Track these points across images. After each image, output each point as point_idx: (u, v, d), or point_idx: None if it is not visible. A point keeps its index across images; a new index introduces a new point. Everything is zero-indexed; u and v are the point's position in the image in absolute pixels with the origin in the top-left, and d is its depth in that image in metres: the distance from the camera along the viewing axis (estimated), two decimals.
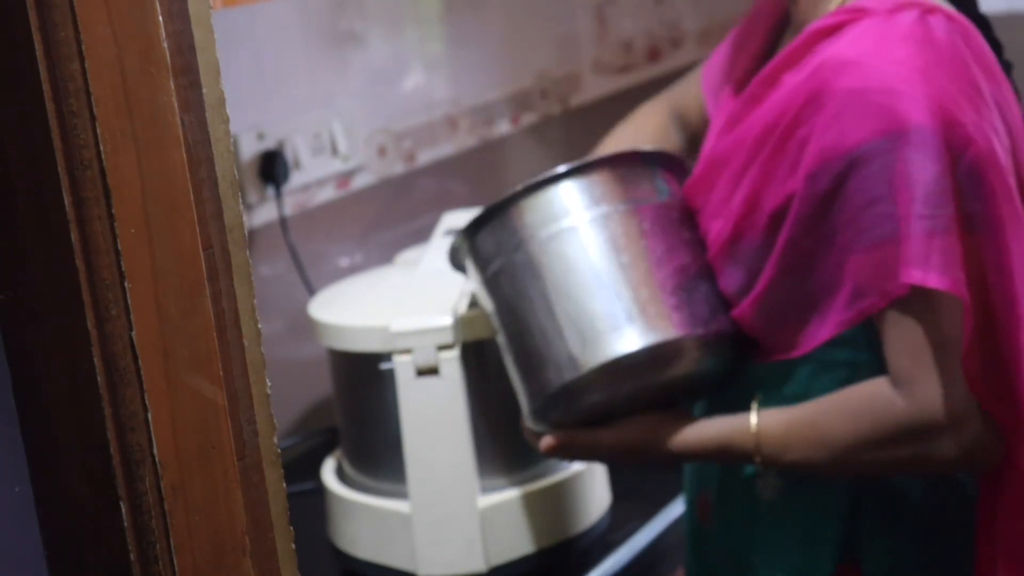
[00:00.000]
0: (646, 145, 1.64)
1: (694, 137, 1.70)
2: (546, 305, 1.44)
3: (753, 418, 1.40)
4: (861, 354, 1.39)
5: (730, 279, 1.43)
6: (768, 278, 1.37)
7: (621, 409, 1.45)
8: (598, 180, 1.46)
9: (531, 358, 1.46)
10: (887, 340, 1.33)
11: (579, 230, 1.44)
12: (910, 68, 1.31)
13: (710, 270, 1.45)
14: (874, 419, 1.34)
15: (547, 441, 1.48)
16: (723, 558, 1.54)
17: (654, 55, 2.85)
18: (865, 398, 1.36)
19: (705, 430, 1.43)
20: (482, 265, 1.51)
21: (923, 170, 1.28)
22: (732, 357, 1.46)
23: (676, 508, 1.88)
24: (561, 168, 1.47)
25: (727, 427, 1.42)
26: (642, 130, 1.74)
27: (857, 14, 1.37)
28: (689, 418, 1.45)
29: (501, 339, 1.52)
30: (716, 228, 1.43)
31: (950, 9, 1.38)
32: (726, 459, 1.44)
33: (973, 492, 1.41)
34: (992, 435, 1.33)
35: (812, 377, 1.42)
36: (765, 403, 1.43)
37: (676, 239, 1.46)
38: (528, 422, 1.51)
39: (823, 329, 1.36)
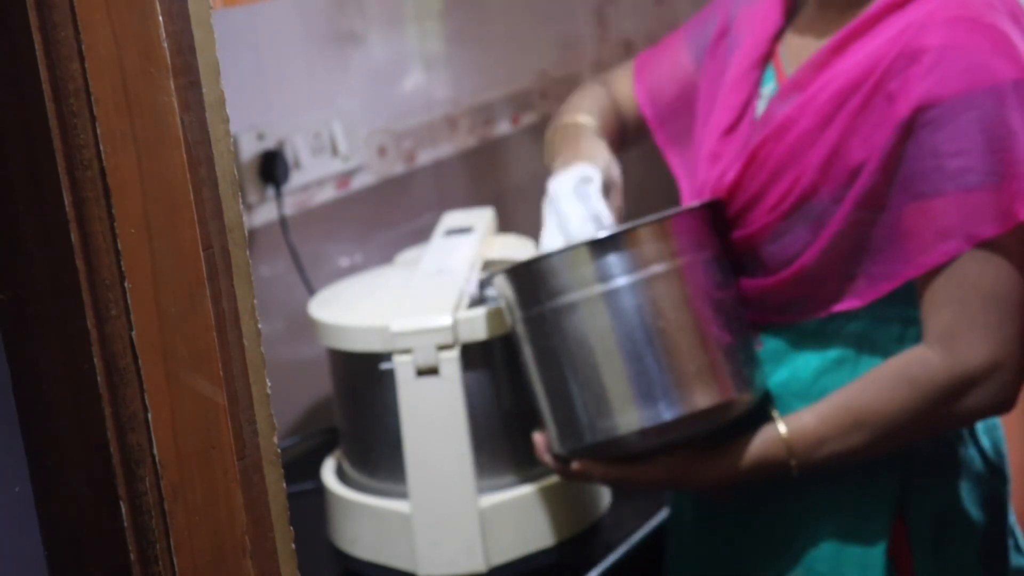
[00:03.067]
0: (694, 202, 1.60)
1: (623, 129, 1.76)
2: (594, 359, 1.44)
3: (781, 427, 1.42)
4: (914, 310, 1.42)
5: (794, 238, 1.45)
6: (835, 229, 1.41)
7: (655, 450, 1.46)
8: (654, 238, 1.46)
9: (572, 404, 1.47)
10: (932, 295, 1.38)
11: (634, 288, 1.44)
12: (999, 30, 1.37)
13: (746, 318, 1.48)
14: (911, 384, 1.38)
15: (577, 468, 1.50)
16: (739, 536, 1.55)
17: None
18: (899, 367, 1.39)
19: (736, 458, 1.44)
20: (529, 301, 1.50)
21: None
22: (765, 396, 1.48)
23: None
24: (628, 225, 1.46)
25: (759, 443, 1.44)
26: (595, 102, 1.77)
27: None
28: (719, 451, 1.46)
29: (534, 372, 1.51)
30: (780, 190, 1.45)
31: None
32: (763, 476, 1.45)
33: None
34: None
35: (863, 334, 1.46)
36: (810, 363, 1.46)
37: (722, 294, 1.47)
38: (554, 449, 1.52)
39: (893, 276, 1.40)
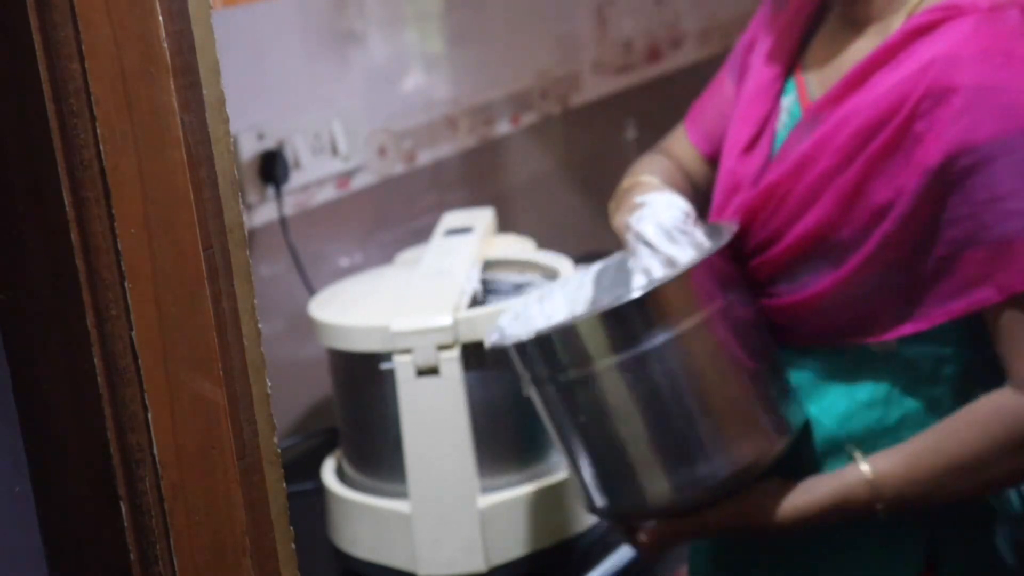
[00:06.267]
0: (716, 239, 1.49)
1: (696, 180, 1.67)
2: (633, 425, 1.38)
3: (864, 466, 1.38)
4: (947, 349, 1.40)
5: (813, 273, 1.41)
6: (856, 266, 1.37)
7: (707, 504, 1.41)
8: (683, 291, 1.38)
9: (620, 470, 1.40)
10: (1008, 341, 1.34)
11: (672, 346, 1.36)
12: None
13: (774, 345, 1.45)
14: (1005, 429, 1.34)
15: (647, 538, 1.45)
16: (770, 560, 1.51)
17: (654, 55, 2.85)
18: (990, 410, 1.35)
19: (814, 492, 1.40)
20: (559, 368, 1.40)
21: None
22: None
23: None
24: (661, 278, 1.39)
25: (838, 484, 1.39)
26: (662, 169, 1.67)
27: (952, 12, 1.36)
28: (794, 490, 1.41)
29: (574, 437, 1.43)
30: (800, 229, 1.40)
31: None
32: (843, 516, 1.40)
33: None
34: None
35: (897, 374, 1.41)
36: (837, 405, 1.42)
37: (756, 337, 1.44)
38: (593, 508, 1.45)
39: (922, 319, 1.36)
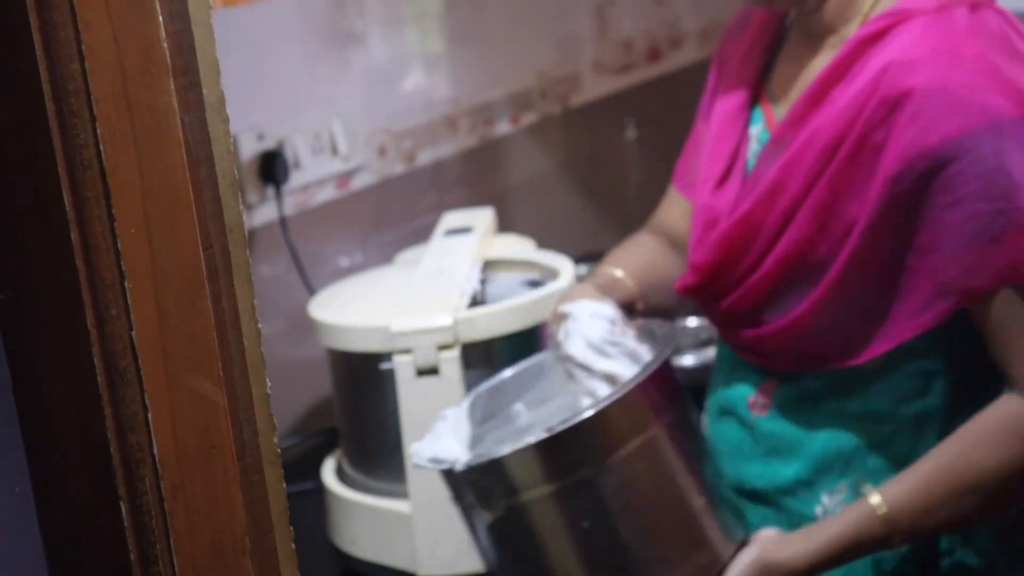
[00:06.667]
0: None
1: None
2: (578, 551, 1.33)
3: (875, 498, 1.33)
4: (936, 363, 1.37)
5: (794, 296, 1.38)
6: (830, 284, 1.34)
7: None
8: (629, 410, 1.34)
9: None
10: (1007, 348, 1.30)
11: (613, 469, 1.32)
12: (986, 62, 1.28)
13: (713, 467, 1.43)
14: (1021, 438, 1.29)
15: None
16: None
17: (654, 55, 2.85)
18: (1002, 422, 1.30)
19: (827, 539, 1.34)
20: (494, 496, 1.35)
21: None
22: None
23: None
24: (606, 400, 1.34)
25: (851, 527, 1.34)
26: (645, 245, 1.64)
27: (900, 16, 1.34)
28: (806, 535, 1.36)
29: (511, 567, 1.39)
30: (778, 254, 1.37)
31: (994, 2, 1.37)
32: (860, 554, 1.35)
33: None
34: None
35: (887, 390, 1.39)
36: (834, 418, 1.40)
37: (698, 443, 1.42)
38: None
39: (893, 335, 1.33)
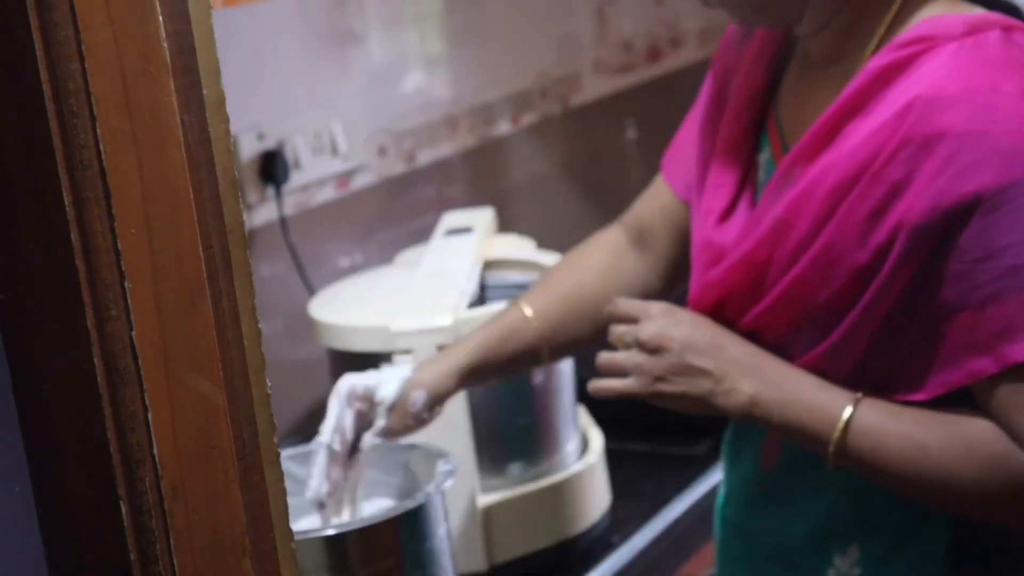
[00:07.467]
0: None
1: (662, 249, 1.57)
2: None
3: (849, 410, 1.26)
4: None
5: (800, 341, 1.31)
6: (843, 332, 1.26)
7: None
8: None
9: None
10: (999, 400, 1.22)
11: None
12: None
13: None
14: (992, 467, 1.23)
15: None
16: None
17: (654, 55, 2.85)
18: (986, 441, 1.23)
19: (802, 388, 1.29)
20: None
21: None
22: None
23: (676, 508, 1.88)
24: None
25: (822, 405, 1.28)
26: (593, 255, 1.61)
27: (924, 44, 1.23)
28: (787, 371, 1.31)
29: None
30: (777, 291, 1.30)
31: None
32: (801, 430, 1.30)
33: None
34: None
35: None
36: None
37: None
38: None
39: (917, 390, 1.25)
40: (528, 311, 1.53)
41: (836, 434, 1.27)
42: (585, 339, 1.56)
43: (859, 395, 1.28)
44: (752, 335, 1.34)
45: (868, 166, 1.21)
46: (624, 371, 1.38)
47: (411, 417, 1.47)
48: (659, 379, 1.35)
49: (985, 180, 1.16)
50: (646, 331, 1.35)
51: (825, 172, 1.25)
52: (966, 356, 1.21)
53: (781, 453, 1.40)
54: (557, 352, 1.56)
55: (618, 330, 1.39)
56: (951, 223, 1.18)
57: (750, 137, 1.39)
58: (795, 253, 1.27)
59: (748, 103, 1.40)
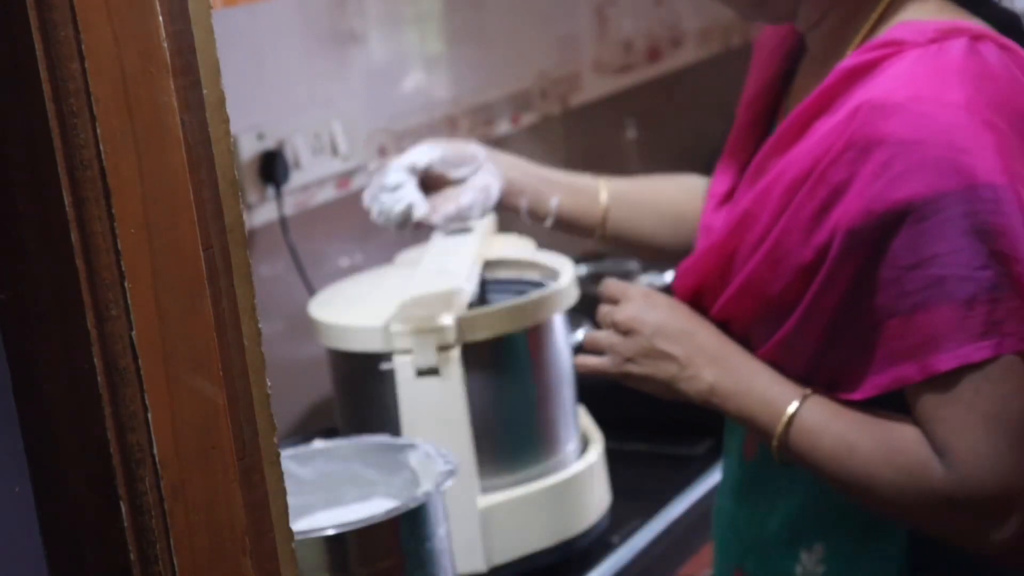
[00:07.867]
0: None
1: None
2: None
3: (795, 405, 1.29)
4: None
5: (761, 332, 1.33)
6: (791, 327, 1.28)
7: None
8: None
9: None
10: (923, 408, 1.23)
11: None
12: (970, 114, 1.18)
13: None
14: (910, 473, 1.24)
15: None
16: None
17: (654, 55, 2.85)
18: (908, 447, 1.24)
19: (755, 377, 1.32)
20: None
21: (1002, 227, 1.17)
22: None
23: (676, 508, 1.88)
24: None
25: (772, 398, 1.31)
26: (678, 178, 1.69)
27: (893, 47, 1.24)
28: (747, 360, 1.34)
29: None
30: (736, 284, 1.33)
31: (1000, 35, 1.26)
32: (749, 416, 1.33)
33: None
34: None
35: None
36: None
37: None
38: None
39: (851, 390, 1.27)
40: (600, 182, 1.63)
41: (780, 428, 1.30)
42: (646, 233, 1.64)
43: (808, 392, 1.30)
44: (723, 324, 1.37)
45: (816, 165, 1.23)
46: (602, 350, 1.42)
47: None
48: (629, 360, 1.39)
49: (917, 189, 1.17)
50: (622, 313, 1.40)
51: (786, 168, 1.27)
52: (895, 362, 1.23)
53: (758, 445, 1.42)
54: (614, 232, 1.64)
55: (602, 310, 1.44)
56: (884, 229, 1.20)
57: (760, 125, 1.43)
58: (755, 245, 1.30)
59: (760, 92, 1.43)
